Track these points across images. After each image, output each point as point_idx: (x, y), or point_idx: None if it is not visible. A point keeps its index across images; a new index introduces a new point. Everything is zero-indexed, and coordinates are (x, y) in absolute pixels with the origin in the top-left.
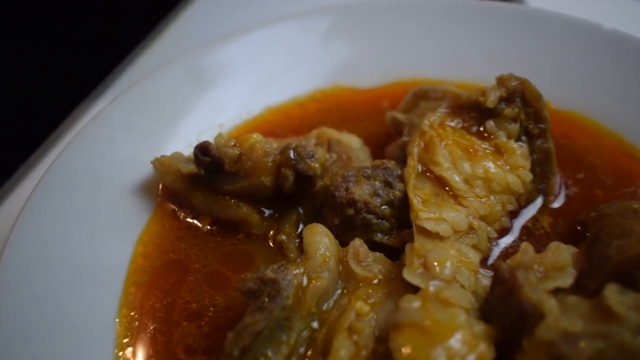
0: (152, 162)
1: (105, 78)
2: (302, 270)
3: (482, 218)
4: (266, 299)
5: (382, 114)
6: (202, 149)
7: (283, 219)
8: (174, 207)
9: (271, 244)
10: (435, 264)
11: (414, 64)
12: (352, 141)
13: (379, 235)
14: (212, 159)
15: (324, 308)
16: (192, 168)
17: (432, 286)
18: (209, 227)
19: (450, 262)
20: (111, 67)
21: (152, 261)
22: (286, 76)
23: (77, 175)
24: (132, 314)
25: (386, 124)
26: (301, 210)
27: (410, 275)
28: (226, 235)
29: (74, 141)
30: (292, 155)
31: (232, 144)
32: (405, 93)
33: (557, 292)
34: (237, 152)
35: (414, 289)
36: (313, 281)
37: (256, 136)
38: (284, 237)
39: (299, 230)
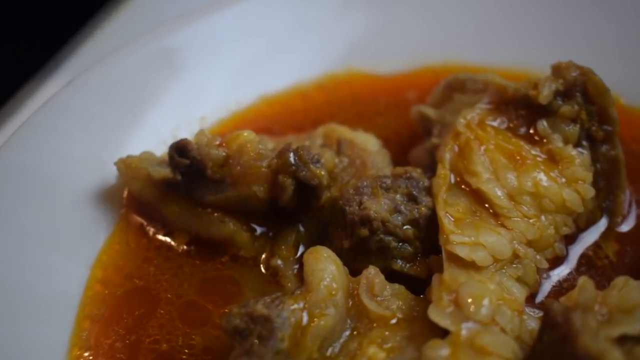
0: (115, 164)
1: (54, 56)
2: (301, 305)
3: (529, 244)
4: (256, 341)
5: (407, 109)
6: (180, 149)
7: (279, 239)
8: (141, 220)
9: (263, 270)
10: (470, 301)
11: (448, 45)
12: (368, 142)
13: (399, 262)
14: (192, 162)
15: (329, 354)
16: (165, 172)
17: (465, 329)
18: (185, 247)
19: (488, 300)
20: (61, 44)
21: (113, 289)
22: (286, 57)
23: (20, 177)
24: (87, 354)
25: (411, 121)
26: (302, 229)
27: (438, 315)
28: (207, 258)
29: (17, 134)
30: (292, 159)
31: (217, 143)
32: (435, 82)
33: (623, 340)
34: (223, 153)
35: (442, 333)
36: (315, 319)
37: (247, 134)
38: (279, 262)
39: (299, 254)
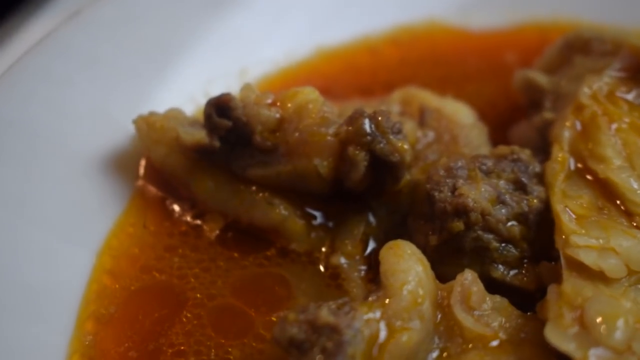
0: (134, 122)
1: None
2: (378, 314)
3: None
4: (319, 357)
5: (505, 74)
6: (220, 107)
7: (342, 231)
8: (163, 197)
9: (321, 268)
10: (599, 320)
11: None
12: (459, 113)
13: (501, 268)
14: (235, 124)
15: None
16: (200, 136)
17: (594, 357)
18: (219, 234)
19: (623, 321)
20: None
21: (125, 282)
22: (353, 3)
23: (7, 135)
24: None
25: (512, 89)
26: (372, 220)
27: (558, 336)
28: (248, 249)
29: (3, 80)
30: (367, 126)
31: (269, 101)
32: (542, 42)
33: None
34: (277, 115)
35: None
36: (396, 334)
37: (309, 91)
38: (342, 261)
39: (368, 251)
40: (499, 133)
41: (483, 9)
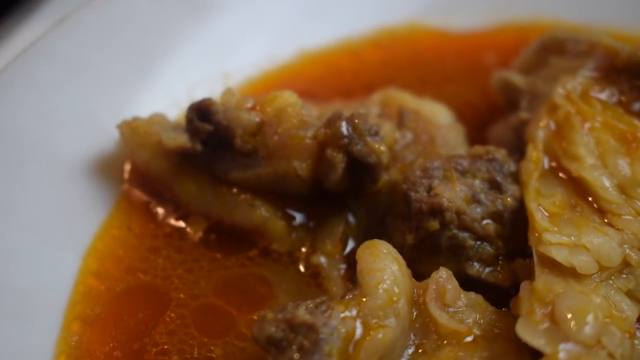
0: (118, 127)
1: None
2: (354, 312)
3: None
4: (296, 355)
5: (484, 75)
6: (202, 111)
7: (322, 231)
8: (147, 200)
9: (302, 268)
10: (570, 316)
11: None
12: (437, 114)
13: (476, 266)
14: (216, 128)
15: None
16: (182, 140)
17: (564, 352)
18: (202, 235)
19: (593, 316)
20: None
21: (111, 284)
22: (334, 5)
23: None
24: None
25: (490, 90)
26: (352, 220)
27: (529, 332)
28: (230, 250)
29: None
30: (344, 129)
31: (249, 105)
32: (521, 43)
33: None
34: (257, 119)
35: (533, 355)
36: (372, 331)
37: (288, 95)
38: (322, 260)
39: (347, 250)
40: (477, 133)
41: (463, 11)
